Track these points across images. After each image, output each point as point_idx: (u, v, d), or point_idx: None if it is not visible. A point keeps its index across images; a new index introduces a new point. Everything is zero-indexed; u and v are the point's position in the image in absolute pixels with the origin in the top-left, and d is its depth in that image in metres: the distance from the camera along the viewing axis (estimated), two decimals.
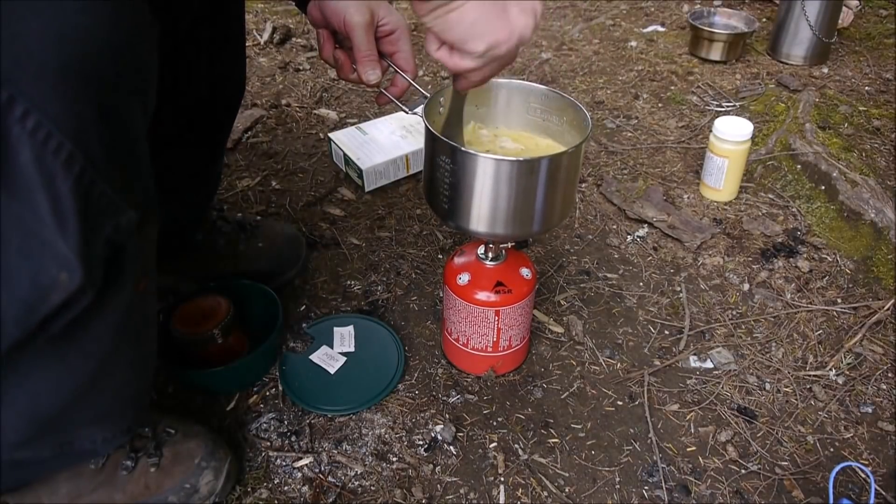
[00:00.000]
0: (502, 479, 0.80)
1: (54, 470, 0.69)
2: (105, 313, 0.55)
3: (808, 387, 0.91)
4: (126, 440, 0.70)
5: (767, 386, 0.91)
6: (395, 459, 0.82)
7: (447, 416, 0.86)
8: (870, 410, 0.88)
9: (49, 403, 0.58)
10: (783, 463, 0.82)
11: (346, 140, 1.29)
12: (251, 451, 0.82)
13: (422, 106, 0.75)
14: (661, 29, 1.94)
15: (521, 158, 0.69)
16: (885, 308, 1.00)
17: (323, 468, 0.80)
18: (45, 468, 0.68)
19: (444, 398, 0.89)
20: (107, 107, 0.47)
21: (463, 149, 0.69)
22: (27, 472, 0.68)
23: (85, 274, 0.48)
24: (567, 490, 0.79)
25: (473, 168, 0.70)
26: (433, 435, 0.84)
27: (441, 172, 0.72)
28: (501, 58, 0.63)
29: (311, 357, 0.92)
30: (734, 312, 1.02)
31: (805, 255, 1.12)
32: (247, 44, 1.76)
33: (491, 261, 0.84)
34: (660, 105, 1.56)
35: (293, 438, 0.83)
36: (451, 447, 0.83)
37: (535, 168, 0.70)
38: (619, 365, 0.94)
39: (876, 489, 0.78)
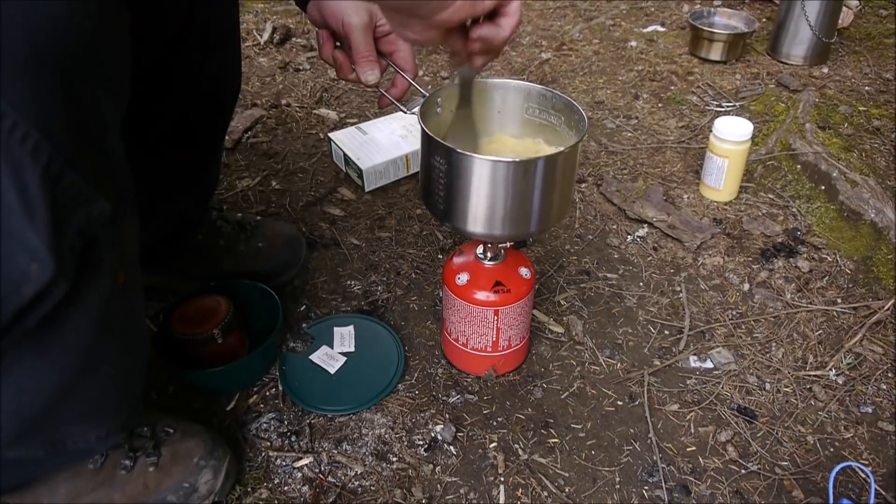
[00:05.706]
0: (502, 479, 0.80)
1: (52, 470, 0.69)
2: (84, 306, 0.54)
3: (808, 387, 0.91)
4: (121, 439, 0.70)
5: (767, 386, 0.91)
6: (395, 459, 0.82)
7: (447, 416, 0.86)
8: (870, 410, 0.88)
9: (34, 399, 0.57)
10: (783, 463, 0.82)
11: (346, 140, 1.29)
12: (251, 450, 0.82)
13: (419, 106, 0.75)
14: (661, 29, 1.94)
15: (516, 159, 0.69)
16: (885, 308, 1.00)
17: (323, 468, 0.80)
18: (42, 468, 0.68)
19: (444, 398, 0.89)
20: (75, 97, 0.47)
21: (458, 150, 0.69)
22: (23, 472, 0.67)
23: (56, 265, 0.47)
24: (567, 490, 0.79)
25: (469, 169, 0.69)
26: (433, 435, 0.84)
27: (436, 173, 0.72)
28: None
29: (311, 357, 0.92)
30: (734, 312, 1.02)
31: (805, 255, 1.12)
32: (247, 44, 1.77)
33: (490, 260, 0.84)
34: (660, 105, 1.56)
35: (293, 438, 0.83)
36: (451, 447, 0.83)
37: (531, 169, 0.70)
38: (619, 365, 0.94)
39: (876, 489, 0.77)
